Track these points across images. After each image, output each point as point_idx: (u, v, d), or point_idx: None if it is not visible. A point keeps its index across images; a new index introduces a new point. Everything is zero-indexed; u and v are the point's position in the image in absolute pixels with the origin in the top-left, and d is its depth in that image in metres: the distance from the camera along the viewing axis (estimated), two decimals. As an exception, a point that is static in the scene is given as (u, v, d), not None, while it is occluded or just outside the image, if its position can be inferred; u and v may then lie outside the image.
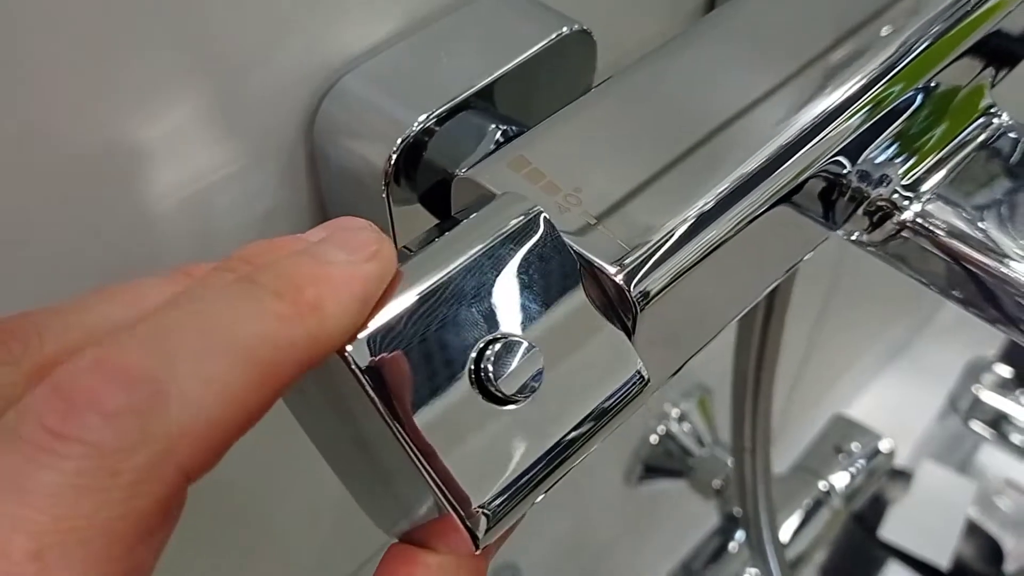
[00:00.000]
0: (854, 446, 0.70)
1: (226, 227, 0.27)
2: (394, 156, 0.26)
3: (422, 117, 0.26)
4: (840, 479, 0.68)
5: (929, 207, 0.27)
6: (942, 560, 0.92)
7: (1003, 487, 1.07)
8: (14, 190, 0.22)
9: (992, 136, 0.29)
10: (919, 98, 0.27)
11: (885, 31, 0.26)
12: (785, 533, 0.65)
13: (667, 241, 0.21)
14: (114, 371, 0.15)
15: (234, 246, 0.27)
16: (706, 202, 0.22)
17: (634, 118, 0.24)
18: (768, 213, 0.24)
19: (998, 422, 1.02)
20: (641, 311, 0.21)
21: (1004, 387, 1.04)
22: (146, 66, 0.22)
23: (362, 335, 0.18)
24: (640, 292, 0.21)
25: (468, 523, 0.19)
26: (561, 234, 0.20)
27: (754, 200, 0.23)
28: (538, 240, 0.20)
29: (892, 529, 0.94)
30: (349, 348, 0.18)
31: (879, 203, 0.27)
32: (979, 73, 0.29)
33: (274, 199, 0.27)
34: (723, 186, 0.22)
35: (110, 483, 0.14)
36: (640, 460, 0.66)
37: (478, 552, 0.19)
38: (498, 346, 0.19)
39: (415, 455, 0.19)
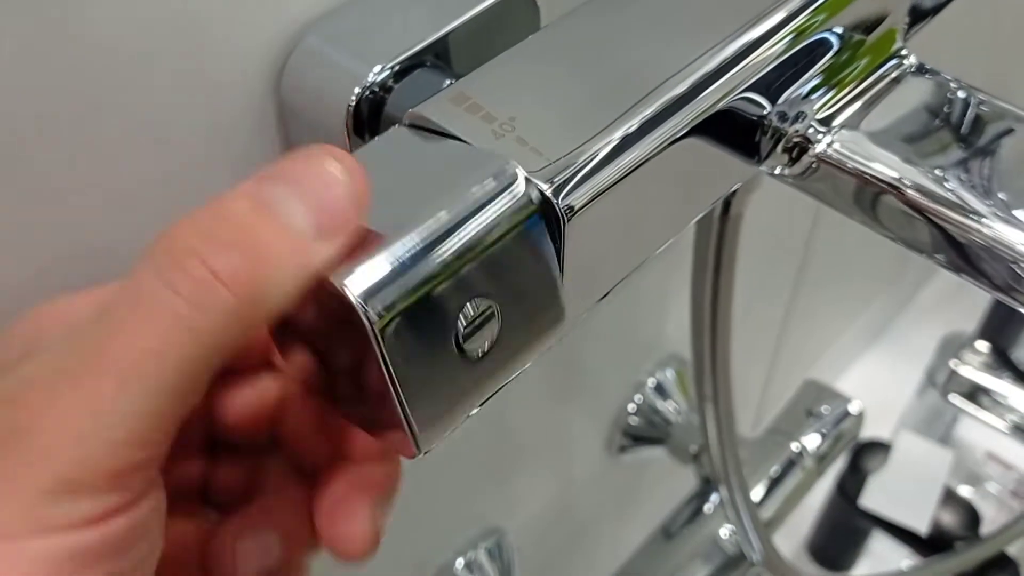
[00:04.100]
0: (824, 409, 0.73)
1: (197, 179, 0.29)
2: (352, 107, 0.29)
3: (377, 69, 0.28)
4: (811, 440, 0.71)
5: (838, 138, 0.30)
6: (921, 526, 0.95)
7: (982, 457, 1.10)
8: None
9: (900, 76, 0.32)
10: (834, 41, 0.30)
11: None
12: (759, 493, 0.68)
13: (592, 161, 0.24)
14: None
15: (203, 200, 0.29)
16: (628, 127, 0.25)
17: (563, 59, 0.27)
18: (690, 143, 0.27)
19: (975, 395, 1.05)
20: (568, 222, 0.24)
21: (981, 361, 1.07)
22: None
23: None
24: (567, 205, 0.24)
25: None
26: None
27: (672, 126, 0.26)
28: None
29: (872, 498, 0.96)
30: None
31: (795, 139, 0.30)
32: (889, 16, 0.31)
33: (245, 153, 0.30)
34: (643, 113, 0.25)
35: None
36: (619, 429, 0.69)
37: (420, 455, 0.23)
38: None
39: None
